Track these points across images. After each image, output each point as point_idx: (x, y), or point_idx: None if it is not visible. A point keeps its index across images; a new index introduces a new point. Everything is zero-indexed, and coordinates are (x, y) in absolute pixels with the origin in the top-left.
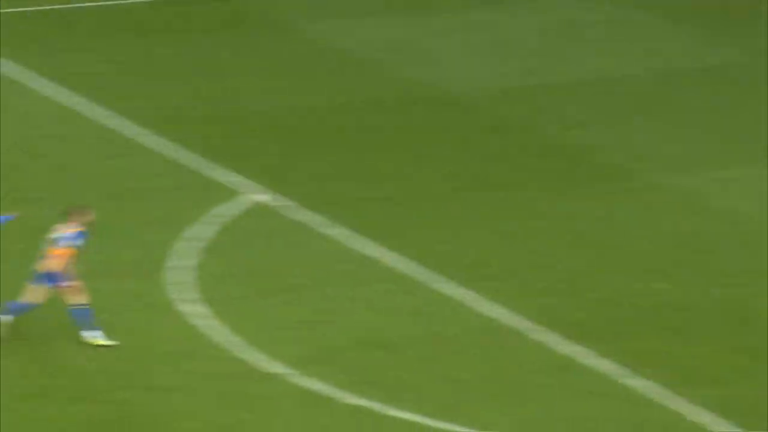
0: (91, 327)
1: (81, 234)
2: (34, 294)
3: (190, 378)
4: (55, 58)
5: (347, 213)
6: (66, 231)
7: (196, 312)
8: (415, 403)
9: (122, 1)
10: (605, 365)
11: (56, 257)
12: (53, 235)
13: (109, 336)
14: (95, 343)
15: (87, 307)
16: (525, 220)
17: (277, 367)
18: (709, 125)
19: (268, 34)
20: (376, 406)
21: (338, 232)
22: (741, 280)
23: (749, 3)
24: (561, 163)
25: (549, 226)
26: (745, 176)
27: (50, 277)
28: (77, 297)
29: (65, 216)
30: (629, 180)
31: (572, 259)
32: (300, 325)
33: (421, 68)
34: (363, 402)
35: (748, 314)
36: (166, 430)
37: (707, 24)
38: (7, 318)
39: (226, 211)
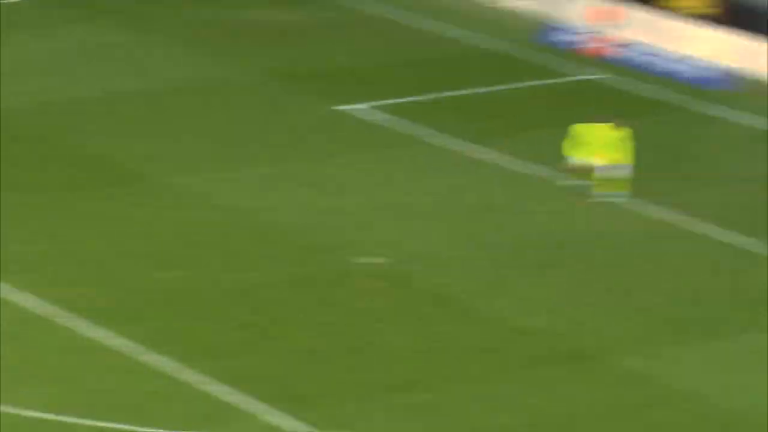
0: None
1: None
2: None
3: None
4: None
5: None
6: None
7: None
8: None
9: None
10: (125, 345)
11: None
12: None
13: None
14: None
15: None
16: (53, 219)
17: None
18: (212, 133)
19: None
20: None
21: None
22: (246, 266)
23: (252, 30)
24: (82, 168)
25: (76, 224)
26: (245, 176)
27: None
28: None
29: None
30: (143, 181)
31: (97, 253)
32: None
33: None
34: None
35: (254, 295)
36: None
37: (212, 46)
38: None
39: None
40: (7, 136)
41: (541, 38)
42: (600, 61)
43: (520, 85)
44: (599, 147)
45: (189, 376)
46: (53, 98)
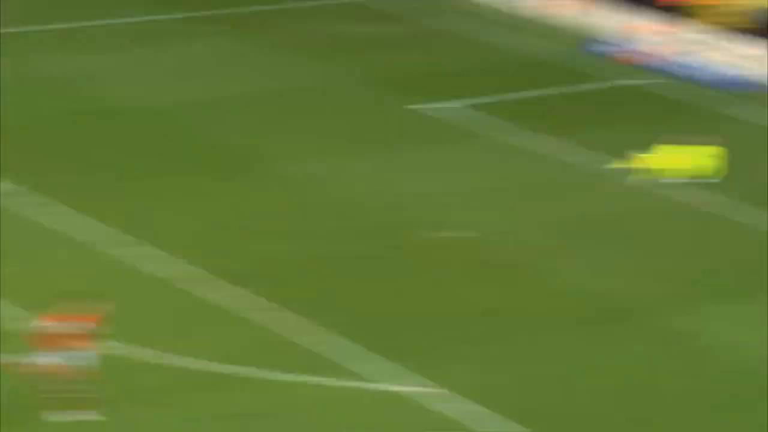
0: None
1: None
2: None
3: None
4: None
5: (69, 196)
6: None
7: None
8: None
9: None
10: (235, 302)
11: None
12: None
13: None
14: None
15: None
16: (185, 198)
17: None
18: (318, 128)
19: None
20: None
21: (60, 210)
22: (341, 239)
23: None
24: (211, 156)
25: (202, 202)
26: (344, 164)
27: None
28: None
29: None
30: (257, 168)
31: (218, 226)
32: (20, 282)
33: (117, 88)
34: None
35: (350, 264)
36: None
37: (318, 52)
38: None
39: None
40: (152, 129)
41: (585, 48)
42: (639, 67)
43: (568, 89)
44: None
45: (288, 328)
46: (192, 98)
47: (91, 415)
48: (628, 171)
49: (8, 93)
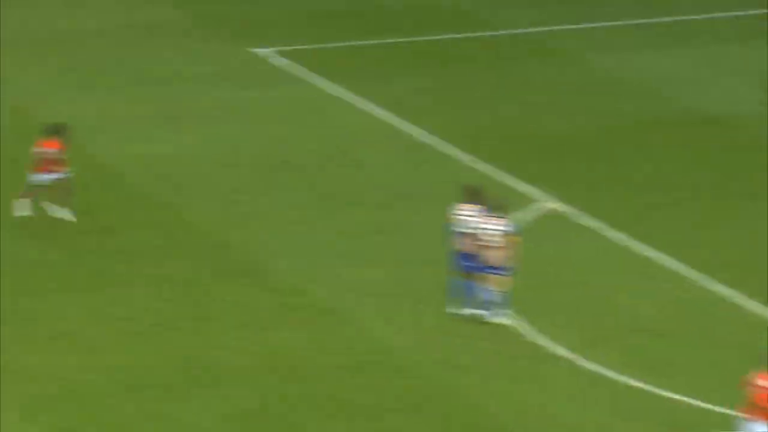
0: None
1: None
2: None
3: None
4: (376, 85)
5: (623, 217)
6: (500, 221)
7: None
8: (683, 385)
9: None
10: None
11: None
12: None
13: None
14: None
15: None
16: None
17: (561, 350)
18: None
19: (556, 64)
20: (648, 386)
21: (614, 235)
22: None
23: None
24: None
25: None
26: None
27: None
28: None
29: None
30: None
31: None
32: (582, 314)
33: (685, 93)
34: (637, 382)
35: None
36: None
37: None
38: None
39: (522, 216)
40: (740, 142)
41: None
42: None
43: None
44: None
45: None
46: None
47: None
48: None
49: (558, 96)
